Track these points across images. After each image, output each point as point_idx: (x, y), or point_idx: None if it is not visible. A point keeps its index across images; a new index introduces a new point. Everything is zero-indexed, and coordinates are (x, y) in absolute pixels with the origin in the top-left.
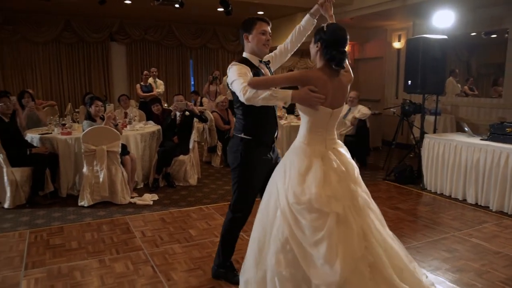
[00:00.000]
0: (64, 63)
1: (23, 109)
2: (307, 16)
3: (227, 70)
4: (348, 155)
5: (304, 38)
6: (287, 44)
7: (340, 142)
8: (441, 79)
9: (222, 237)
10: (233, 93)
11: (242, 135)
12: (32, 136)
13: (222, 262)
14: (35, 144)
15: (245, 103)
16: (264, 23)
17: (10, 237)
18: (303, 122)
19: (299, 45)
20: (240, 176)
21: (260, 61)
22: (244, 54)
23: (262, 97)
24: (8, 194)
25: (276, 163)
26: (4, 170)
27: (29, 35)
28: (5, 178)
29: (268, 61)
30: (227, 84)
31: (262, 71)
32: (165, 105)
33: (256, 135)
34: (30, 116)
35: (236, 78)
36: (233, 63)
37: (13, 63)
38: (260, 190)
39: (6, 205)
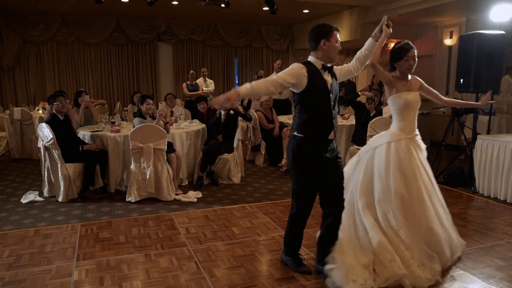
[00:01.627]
0: (114, 63)
1: (79, 107)
2: (370, 40)
3: None
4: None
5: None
6: (353, 67)
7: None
8: (496, 77)
9: (286, 229)
10: (293, 92)
11: (296, 133)
12: (84, 134)
13: (289, 250)
14: (86, 141)
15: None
16: (338, 33)
17: (64, 229)
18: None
19: (363, 67)
20: (293, 172)
21: (323, 65)
22: (310, 58)
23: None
24: (62, 188)
25: (336, 162)
26: (59, 165)
27: (82, 36)
28: (59, 173)
29: (332, 66)
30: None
31: (323, 75)
32: None
33: (308, 134)
34: (85, 113)
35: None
36: (294, 63)
37: (68, 63)
38: (319, 188)
39: (60, 199)
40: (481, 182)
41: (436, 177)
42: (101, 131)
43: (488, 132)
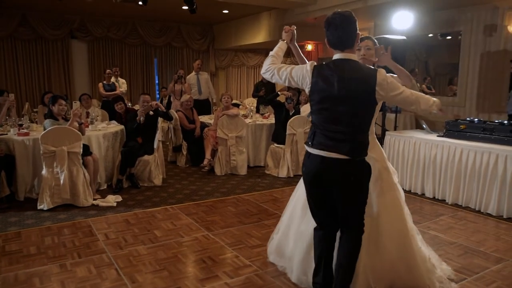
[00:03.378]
0: (21, 60)
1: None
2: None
3: None
4: None
5: None
6: None
7: None
8: None
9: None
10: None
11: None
12: None
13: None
14: None
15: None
16: None
17: None
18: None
19: None
20: (364, 195)
21: None
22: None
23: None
24: None
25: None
26: None
27: None
28: None
29: None
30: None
31: None
32: (129, 104)
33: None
34: None
35: None
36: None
37: None
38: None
39: None
40: None
41: None
42: (6, 134)
43: (395, 129)
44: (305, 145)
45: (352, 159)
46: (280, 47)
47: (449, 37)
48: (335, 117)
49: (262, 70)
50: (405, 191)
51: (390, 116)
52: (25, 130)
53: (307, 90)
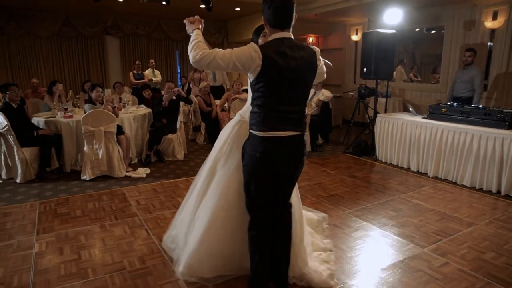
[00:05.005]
0: (65, 55)
1: (52, 95)
2: None
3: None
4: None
5: None
6: None
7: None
8: (391, 67)
9: None
10: None
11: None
12: (38, 120)
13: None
14: (41, 127)
15: None
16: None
17: (23, 207)
18: None
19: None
20: None
21: None
22: None
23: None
24: (20, 170)
25: None
26: (15, 149)
27: (32, 30)
28: (16, 157)
29: None
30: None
31: None
32: (163, 92)
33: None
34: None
35: None
36: None
37: (19, 56)
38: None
39: (18, 180)
40: (381, 151)
41: (346, 149)
42: (54, 117)
43: (385, 111)
44: (252, 132)
45: (302, 134)
46: (200, 34)
47: (433, 31)
48: (290, 97)
49: (195, 58)
50: (393, 165)
51: (381, 100)
52: (69, 113)
53: (254, 73)
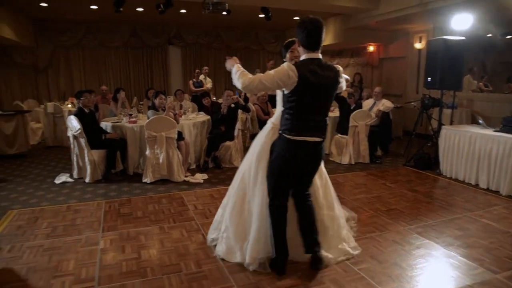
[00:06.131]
0: (131, 63)
1: (116, 102)
2: None
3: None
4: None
5: None
6: None
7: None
8: (458, 77)
9: None
10: None
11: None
12: (106, 124)
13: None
14: (108, 131)
15: None
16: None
17: (91, 205)
18: None
19: None
20: None
21: None
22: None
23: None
24: (89, 171)
25: None
26: (86, 152)
27: (104, 41)
28: (86, 158)
29: None
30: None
31: None
32: (214, 98)
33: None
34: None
35: None
36: None
37: (92, 64)
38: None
39: (87, 180)
40: (445, 166)
41: (407, 162)
42: (120, 122)
43: (451, 123)
44: (284, 135)
45: (324, 140)
46: (240, 67)
47: (509, 37)
48: (317, 108)
49: (244, 83)
50: (458, 180)
51: (446, 111)
52: (134, 119)
53: (290, 88)
